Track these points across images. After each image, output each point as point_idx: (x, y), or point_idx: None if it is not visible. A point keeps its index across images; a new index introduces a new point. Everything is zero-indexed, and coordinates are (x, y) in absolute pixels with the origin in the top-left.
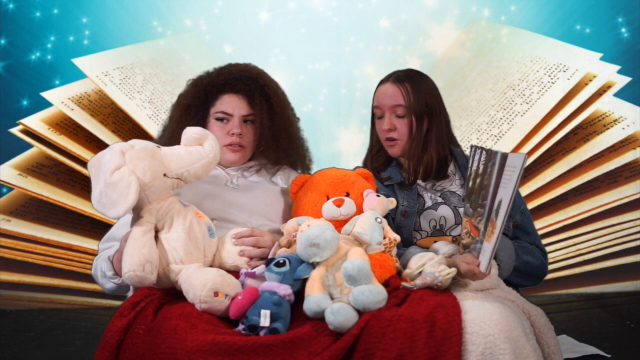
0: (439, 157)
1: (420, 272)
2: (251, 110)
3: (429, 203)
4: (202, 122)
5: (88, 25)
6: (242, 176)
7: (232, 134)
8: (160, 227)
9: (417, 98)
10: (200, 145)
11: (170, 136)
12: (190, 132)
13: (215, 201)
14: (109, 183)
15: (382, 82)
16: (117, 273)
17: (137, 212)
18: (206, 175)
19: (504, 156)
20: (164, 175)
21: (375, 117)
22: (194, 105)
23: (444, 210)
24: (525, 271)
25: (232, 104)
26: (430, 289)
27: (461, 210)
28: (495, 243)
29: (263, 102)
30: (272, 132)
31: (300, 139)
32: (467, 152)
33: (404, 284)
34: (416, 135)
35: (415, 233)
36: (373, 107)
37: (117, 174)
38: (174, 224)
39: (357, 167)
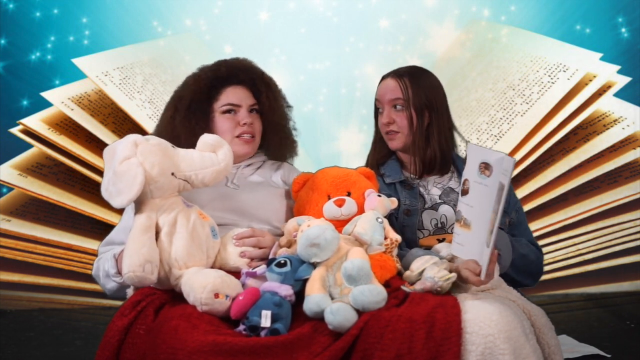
0: (442, 150)
1: (421, 276)
2: (255, 99)
3: (429, 203)
4: (206, 120)
5: (88, 25)
6: (242, 175)
7: (243, 123)
8: (162, 226)
9: (416, 92)
10: (213, 153)
11: (175, 138)
12: (206, 139)
13: (215, 207)
14: (117, 172)
15: (383, 78)
16: (120, 272)
17: (138, 208)
18: (214, 183)
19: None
20: (172, 174)
21: (377, 112)
22: (195, 101)
23: (445, 209)
24: (522, 266)
25: (237, 95)
26: (430, 293)
27: None
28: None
29: (264, 91)
30: (275, 121)
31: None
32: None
33: (403, 287)
34: (417, 129)
35: (418, 232)
36: (375, 102)
37: (125, 163)
38: (177, 225)
39: (359, 167)
